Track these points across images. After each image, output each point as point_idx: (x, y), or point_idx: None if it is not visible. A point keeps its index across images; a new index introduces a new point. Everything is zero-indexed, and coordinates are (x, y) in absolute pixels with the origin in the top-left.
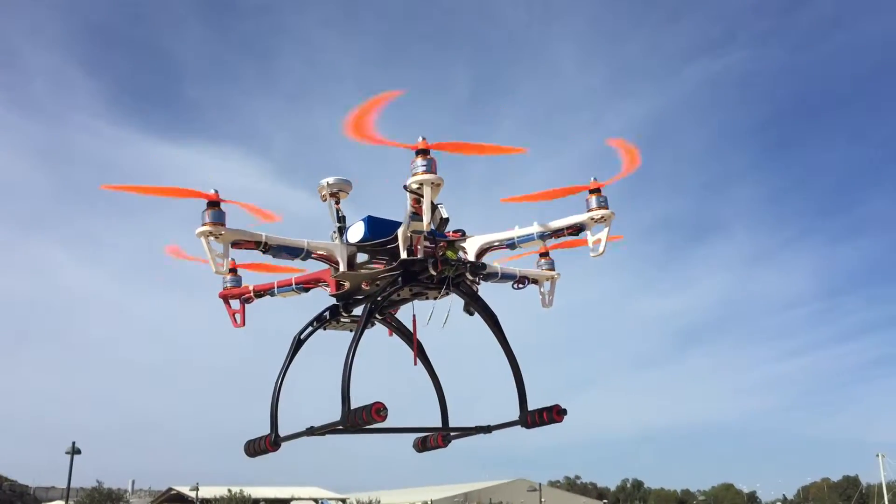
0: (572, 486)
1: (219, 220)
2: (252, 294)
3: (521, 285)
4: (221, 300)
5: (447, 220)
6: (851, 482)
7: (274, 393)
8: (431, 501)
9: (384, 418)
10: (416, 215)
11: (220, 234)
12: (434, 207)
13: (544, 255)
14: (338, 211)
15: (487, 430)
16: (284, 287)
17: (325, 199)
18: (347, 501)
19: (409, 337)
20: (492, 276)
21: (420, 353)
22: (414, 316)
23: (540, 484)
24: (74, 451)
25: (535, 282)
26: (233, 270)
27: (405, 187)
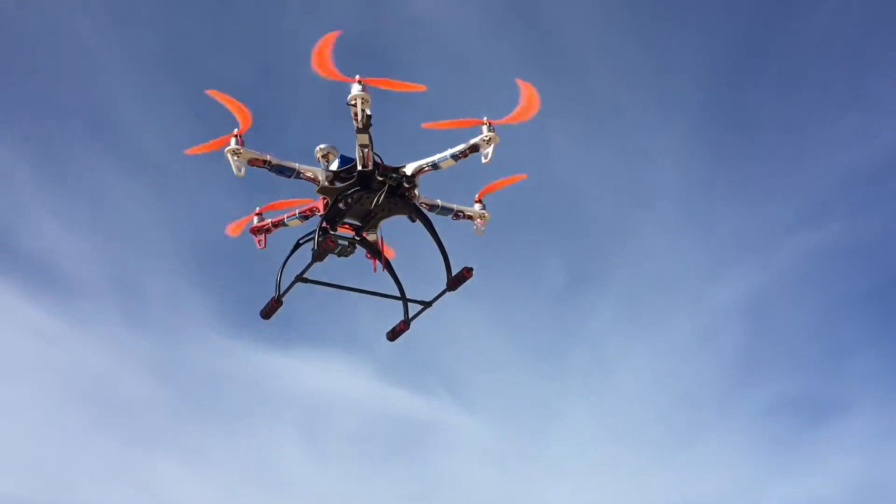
0: None
1: (241, 146)
2: (271, 226)
3: (457, 218)
4: (252, 234)
5: (370, 115)
6: None
7: (277, 276)
8: None
9: (333, 242)
10: (360, 130)
11: (240, 153)
12: (368, 118)
13: (479, 201)
14: (325, 161)
15: (429, 304)
16: (291, 217)
17: (319, 161)
18: None
19: (378, 253)
20: (434, 208)
21: (387, 266)
22: (381, 237)
23: None
24: None
25: (469, 217)
26: (260, 215)
27: (346, 102)
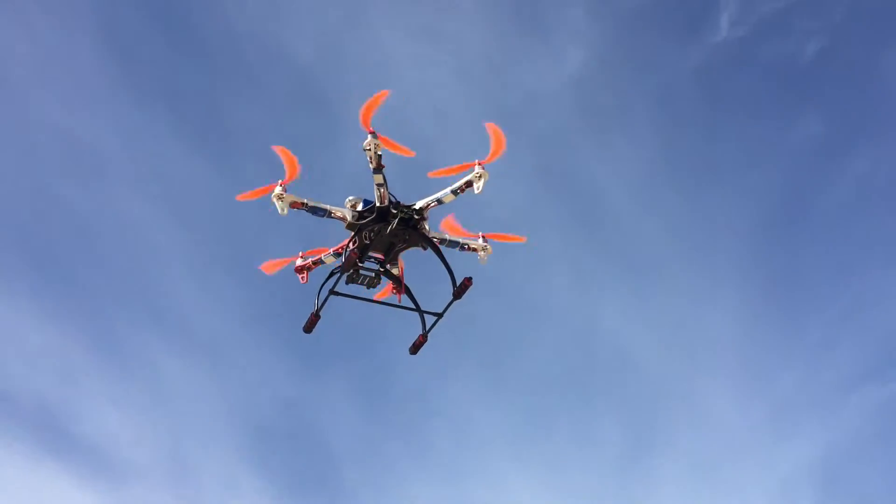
0: None
1: (285, 191)
2: (312, 264)
3: (463, 250)
4: (296, 273)
5: (381, 155)
6: None
7: (316, 298)
8: None
9: (356, 255)
10: (374, 170)
11: (283, 197)
12: (380, 158)
13: (485, 239)
14: (353, 209)
15: (440, 315)
16: (327, 255)
17: (349, 209)
18: None
19: (400, 282)
20: (444, 241)
21: (406, 291)
22: (402, 267)
23: None
24: None
25: (473, 250)
26: (303, 257)
27: (362, 148)
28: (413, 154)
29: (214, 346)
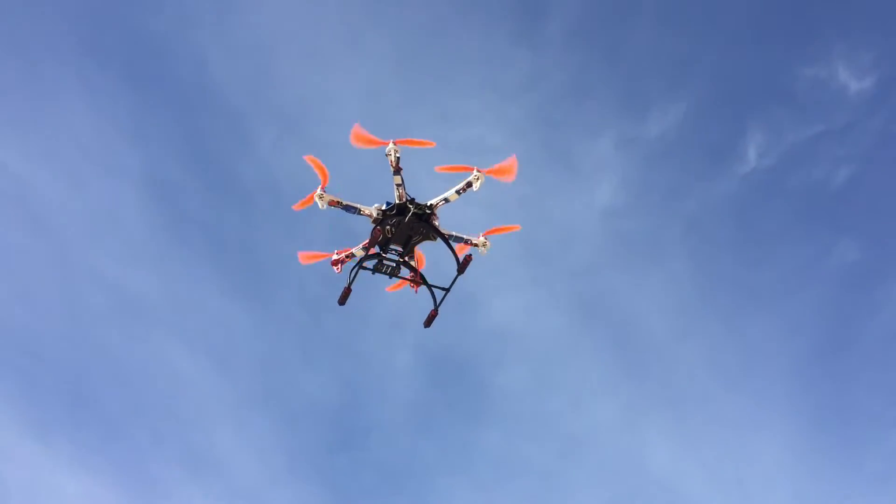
0: None
1: (324, 191)
2: (345, 258)
3: (467, 244)
4: (332, 266)
5: (399, 157)
6: None
7: (348, 276)
8: None
9: (380, 233)
10: (395, 172)
11: (323, 196)
12: (398, 161)
13: (483, 236)
14: (378, 209)
15: (448, 289)
16: (357, 249)
17: (373, 207)
18: None
19: (417, 270)
20: (451, 237)
21: (422, 279)
22: (417, 258)
23: None
24: None
25: (475, 245)
26: (338, 253)
27: (385, 154)
28: (433, 144)
29: (249, 489)
